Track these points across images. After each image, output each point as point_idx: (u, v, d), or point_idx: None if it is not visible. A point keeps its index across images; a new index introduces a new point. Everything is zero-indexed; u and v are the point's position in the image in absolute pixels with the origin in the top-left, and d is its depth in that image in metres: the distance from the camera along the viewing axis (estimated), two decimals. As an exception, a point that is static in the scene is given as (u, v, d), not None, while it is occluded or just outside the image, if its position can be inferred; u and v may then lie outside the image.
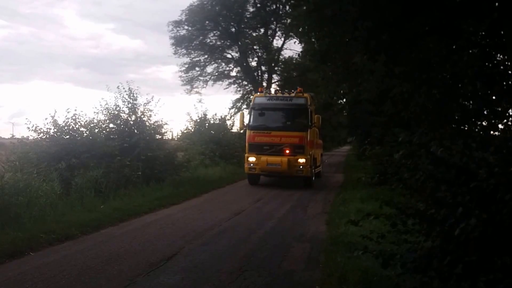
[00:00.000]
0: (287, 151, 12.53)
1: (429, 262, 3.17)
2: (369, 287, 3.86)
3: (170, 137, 17.32)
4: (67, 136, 10.76)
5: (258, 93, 14.23)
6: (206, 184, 12.50)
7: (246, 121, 13.81)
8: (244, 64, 28.02)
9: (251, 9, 27.94)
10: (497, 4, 4.75)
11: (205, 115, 20.38)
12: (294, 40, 27.42)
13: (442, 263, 3.11)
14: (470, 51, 5.33)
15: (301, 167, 12.46)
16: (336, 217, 7.57)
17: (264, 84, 27.10)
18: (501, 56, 4.94)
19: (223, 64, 29.58)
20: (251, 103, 13.92)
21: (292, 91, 13.82)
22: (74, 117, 10.93)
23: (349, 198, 9.74)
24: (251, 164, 12.83)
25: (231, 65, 29.50)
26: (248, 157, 12.94)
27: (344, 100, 17.39)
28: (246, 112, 15.89)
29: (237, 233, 6.67)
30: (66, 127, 10.77)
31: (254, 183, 13.46)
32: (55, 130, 10.67)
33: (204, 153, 17.97)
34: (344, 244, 5.37)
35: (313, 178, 13.57)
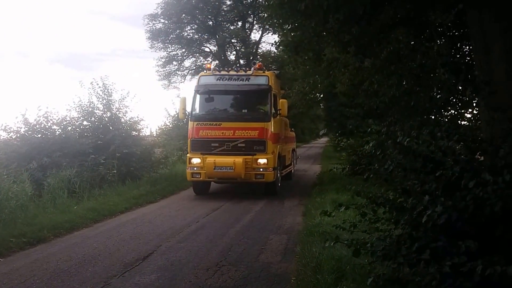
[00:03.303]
0: (243, 149, 9.35)
1: (398, 249, 3.25)
2: (342, 276, 3.93)
3: (147, 133, 17.05)
4: (39, 135, 10.47)
5: (205, 71, 10.51)
6: (184, 180, 12.25)
7: (189, 109, 10.20)
8: (222, 57, 27.81)
9: (228, 2, 27.71)
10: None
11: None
12: (271, 33, 27.64)
13: (410, 249, 3.20)
14: (438, 42, 5.47)
15: (261, 170, 9.26)
16: (312, 208, 7.67)
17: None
18: (466, 47, 5.10)
19: (201, 58, 29.35)
20: (195, 85, 10.22)
21: (249, 68, 10.22)
22: (46, 115, 10.65)
23: (325, 189, 9.87)
24: (195, 168, 9.43)
25: (209, 59, 29.22)
26: (190, 158, 9.54)
27: (321, 94, 17.47)
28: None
29: (215, 229, 6.65)
30: (37, 126, 10.48)
31: (202, 193, 10.10)
32: (26, 129, 10.36)
33: (182, 149, 17.77)
34: (319, 235, 5.46)
35: (279, 184, 10.32)
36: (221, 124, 9.59)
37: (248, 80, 9.84)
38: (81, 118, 11.99)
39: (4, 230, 5.93)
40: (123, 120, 12.59)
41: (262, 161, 9.33)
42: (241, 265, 4.78)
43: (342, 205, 3.67)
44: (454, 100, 5.04)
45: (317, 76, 11.22)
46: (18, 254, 5.34)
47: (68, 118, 11.51)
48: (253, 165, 9.30)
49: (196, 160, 9.49)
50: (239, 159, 9.11)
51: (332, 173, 11.00)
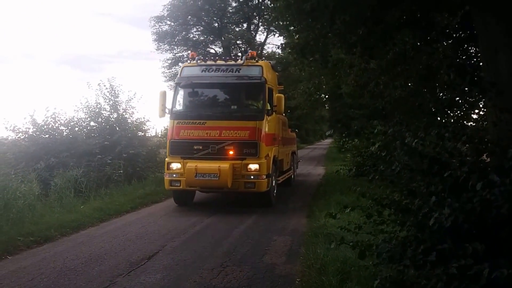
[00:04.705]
0: (231, 152, 7.94)
1: (404, 251, 3.24)
2: (347, 277, 3.92)
3: (153, 134, 17.16)
4: (46, 135, 10.62)
5: (189, 61, 9.11)
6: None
7: (169, 105, 8.62)
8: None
9: (234, 4, 27.92)
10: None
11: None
12: (277, 34, 27.73)
13: (416, 252, 3.18)
14: (445, 43, 5.45)
15: (252, 177, 7.84)
16: (317, 210, 7.64)
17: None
18: (473, 49, 5.06)
19: (207, 59, 29.43)
20: (177, 77, 9.02)
21: (240, 57, 8.76)
22: (53, 116, 10.81)
23: (329, 190, 9.82)
24: (174, 175, 8.07)
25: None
26: (169, 163, 8.18)
27: (327, 95, 17.44)
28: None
29: (219, 229, 6.66)
30: (45, 126, 10.64)
31: (184, 204, 8.67)
32: (34, 129, 10.52)
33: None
34: (324, 236, 5.44)
35: (275, 194, 8.86)
36: (205, 123, 8.16)
37: (238, 71, 8.41)
38: (88, 119, 12.16)
39: (12, 229, 6.00)
40: (130, 121, 12.74)
41: (253, 167, 7.87)
42: (245, 266, 4.79)
43: (347, 207, 3.66)
44: (460, 101, 5.01)
45: (322, 77, 11.16)
46: (25, 253, 5.40)
47: (76, 119, 11.70)
48: (242, 172, 7.84)
49: (175, 166, 8.09)
50: (225, 165, 7.65)
51: (337, 174, 10.93)
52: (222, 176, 7.58)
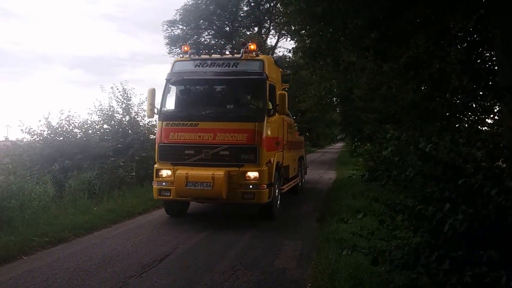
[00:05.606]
0: (226, 158, 7.04)
1: (417, 258, 3.20)
2: (359, 284, 3.89)
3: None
4: (61, 138, 10.81)
5: (181, 55, 8.25)
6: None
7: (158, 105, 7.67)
8: (239, 62, 28.11)
9: (245, 8, 28.17)
10: (484, 0, 4.79)
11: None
12: (288, 38, 27.84)
13: (429, 258, 3.14)
14: (459, 47, 5.40)
15: (251, 187, 6.91)
16: (328, 214, 7.59)
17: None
18: (487, 53, 5.00)
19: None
20: (167, 73, 7.84)
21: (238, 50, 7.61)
22: (67, 119, 11.02)
23: (341, 195, 9.76)
24: (164, 183, 7.23)
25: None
26: (158, 170, 7.35)
27: (338, 99, 17.39)
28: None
29: (230, 232, 6.67)
30: (59, 129, 10.83)
31: (177, 215, 7.82)
32: (49, 131, 10.72)
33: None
34: (336, 241, 5.39)
35: (278, 205, 7.85)
36: (198, 124, 7.20)
37: (236, 66, 7.39)
38: (102, 121, 12.33)
39: (27, 230, 6.12)
40: (142, 124, 12.89)
41: (252, 175, 6.91)
42: (256, 270, 4.79)
43: (359, 212, 3.64)
44: (474, 105, 4.95)
45: (333, 80, 11.10)
46: (40, 253, 5.51)
47: (89, 122, 11.87)
48: (239, 181, 6.90)
49: (165, 173, 7.23)
50: (219, 173, 6.73)
51: (348, 179, 10.84)
52: (216, 185, 6.69)
